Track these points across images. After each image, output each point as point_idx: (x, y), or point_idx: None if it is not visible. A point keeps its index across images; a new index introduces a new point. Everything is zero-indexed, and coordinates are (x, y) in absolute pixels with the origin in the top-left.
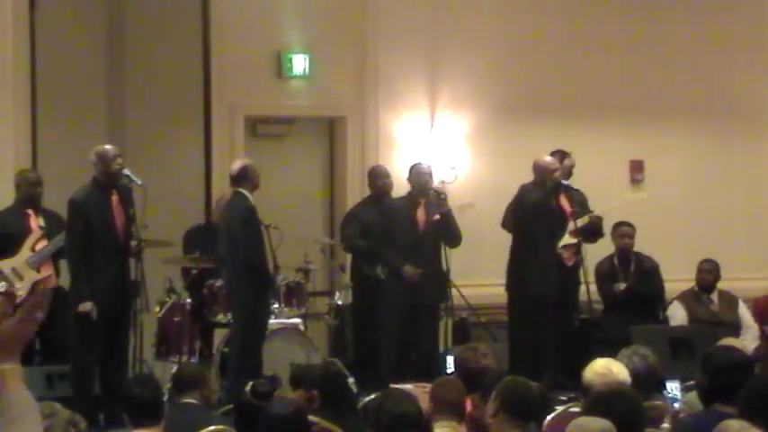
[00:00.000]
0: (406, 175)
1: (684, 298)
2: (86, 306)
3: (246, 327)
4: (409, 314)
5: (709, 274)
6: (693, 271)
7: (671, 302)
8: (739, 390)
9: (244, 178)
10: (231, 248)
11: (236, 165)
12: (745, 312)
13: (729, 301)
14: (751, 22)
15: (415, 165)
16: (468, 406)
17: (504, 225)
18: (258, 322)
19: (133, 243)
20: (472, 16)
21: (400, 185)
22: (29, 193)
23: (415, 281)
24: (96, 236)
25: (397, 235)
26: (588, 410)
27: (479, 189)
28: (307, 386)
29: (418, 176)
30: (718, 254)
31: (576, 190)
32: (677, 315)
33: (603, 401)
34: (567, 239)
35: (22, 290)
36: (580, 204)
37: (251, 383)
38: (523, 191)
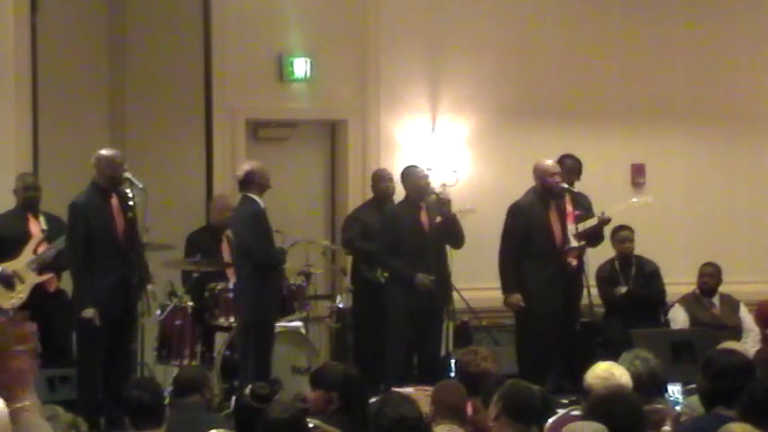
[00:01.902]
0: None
1: (686, 301)
2: (89, 313)
3: (256, 330)
4: (417, 319)
5: (710, 278)
6: (695, 274)
7: (672, 306)
8: (741, 393)
9: (250, 182)
10: (238, 254)
11: (241, 169)
12: (746, 315)
13: (731, 304)
14: (752, 24)
15: (408, 168)
16: (469, 410)
17: (501, 254)
18: (267, 326)
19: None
20: (473, 20)
21: (400, 189)
22: (26, 198)
23: (428, 288)
24: (97, 240)
25: (404, 240)
26: (588, 414)
27: (481, 192)
28: (326, 387)
29: (416, 180)
30: (720, 257)
31: (580, 193)
32: (678, 318)
33: (603, 405)
34: (572, 243)
35: (23, 293)
36: (584, 208)
37: (250, 386)
38: (512, 215)
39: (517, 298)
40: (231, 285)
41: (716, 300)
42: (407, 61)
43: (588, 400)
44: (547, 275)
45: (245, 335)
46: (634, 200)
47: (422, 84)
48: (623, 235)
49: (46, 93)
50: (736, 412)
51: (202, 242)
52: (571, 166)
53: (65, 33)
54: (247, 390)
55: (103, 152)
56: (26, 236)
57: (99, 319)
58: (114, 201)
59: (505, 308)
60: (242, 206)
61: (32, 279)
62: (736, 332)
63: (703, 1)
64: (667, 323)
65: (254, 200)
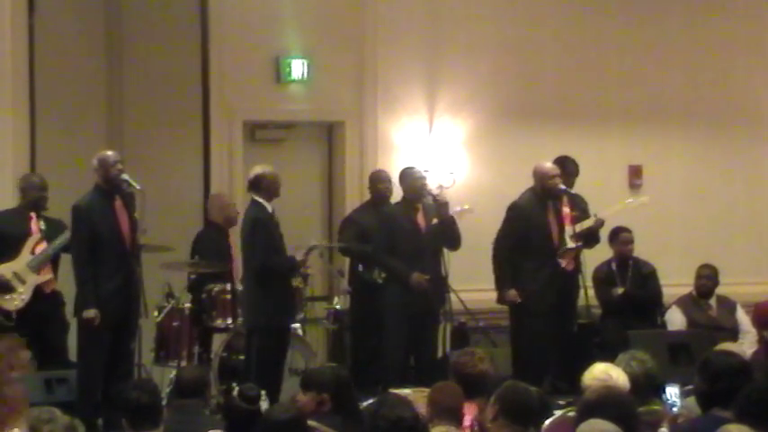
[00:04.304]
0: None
1: (682, 303)
2: (90, 313)
3: (257, 335)
4: (413, 321)
5: (708, 280)
6: (692, 275)
7: (669, 307)
8: (738, 394)
9: (257, 186)
10: (244, 257)
11: (253, 172)
12: (742, 317)
13: (727, 305)
14: (749, 26)
15: (406, 170)
16: (474, 410)
17: (496, 251)
18: (268, 330)
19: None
20: (471, 21)
21: (397, 190)
22: (35, 198)
23: (423, 288)
24: (102, 242)
25: (400, 241)
26: (581, 415)
27: (478, 194)
28: (317, 389)
29: (413, 182)
30: (717, 258)
31: (577, 195)
32: (675, 320)
33: (596, 406)
34: (568, 244)
35: (25, 294)
36: (581, 209)
37: (238, 388)
38: (510, 216)
39: (513, 293)
40: (229, 287)
41: (713, 301)
42: (405, 63)
43: (581, 402)
44: (544, 276)
45: (247, 338)
46: (630, 201)
47: (419, 85)
48: (625, 237)
49: (43, 94)
50: (732, 413)
51: (211, 241)
52: (571, 169)
53: (62, 35)
54: (236, 391)
55: (100, 153)
56: (28, 234)
57: (98, 321)
58: (118, 203)
59: (502, 307)
60: (248, 210)
61: (33, 279)
62: (733, 334)
63: (701, 3)
64: (664, 324)
65: (259, 204)
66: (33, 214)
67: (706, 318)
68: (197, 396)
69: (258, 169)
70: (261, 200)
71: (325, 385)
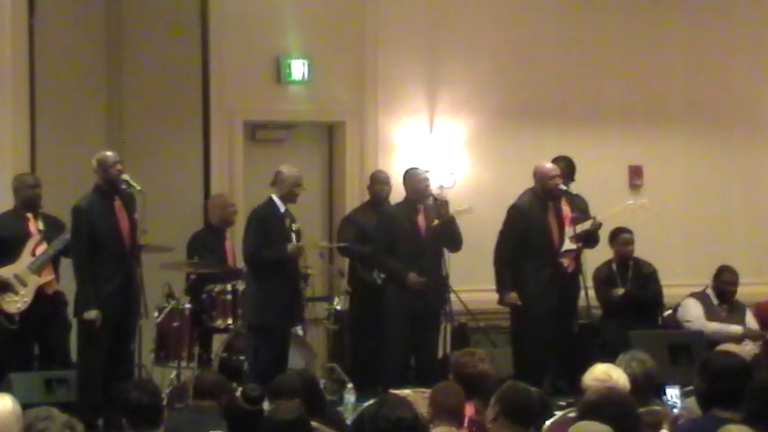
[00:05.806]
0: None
1: (700, 297)
2: (92, 314)
3: (255, 333)
4: (414, 322)
5: (733, 286)
6: (693, 276)
7: (677, 306)
8: (738, 395)
9: (274, 183)
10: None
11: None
12: (751, 321)
13: (739, 308)
14: (749, 27)
15: (410, 170)
16: (471, 411)
17: (497, 253)
18: (267, 329)
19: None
20: (471, 22)
21: (399, 190)
22: (27, 196)
23: (419, 289)
24: (102, 243)
25: (400, 242)
26: (581, 416)
27: (478, 194)
28: (287, 396)
29: (416, 183)
30: (717, 258)
31: (577, 195)
32: (693, 313)
33: (596, 407)
34: (568, 245)
35: (26, 296)
36: (581, 210)
37: (241, 388)
38: (510, 218)
39: (513, 296)
40: (230, 287)
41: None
42: (405, 63)
43: (581, 403)
44: (544, 277)
45: (246, 337)
46: (630, 202)
47: (419, 85)
48: (625, 237)
49: (43, 95)
50: (733, 414)
51: (206, 242)
52: (564, 169)
53: (62, 35)
54: (238, 392)
55: (100, 154)
56: (26, 236)
57: (100, 322)
58: (117, 203)
59: (502, 308)
60: (258, 205)
61: (35, 281)
62: (740, 338)
63: (701, 2)
64: (665, 325)
65: (270, 200)
66: (30, 214)
67: (717, 319)
68: (211, 399)
69: (281, 167)
70: (274, 197)
71: (296, 391)
